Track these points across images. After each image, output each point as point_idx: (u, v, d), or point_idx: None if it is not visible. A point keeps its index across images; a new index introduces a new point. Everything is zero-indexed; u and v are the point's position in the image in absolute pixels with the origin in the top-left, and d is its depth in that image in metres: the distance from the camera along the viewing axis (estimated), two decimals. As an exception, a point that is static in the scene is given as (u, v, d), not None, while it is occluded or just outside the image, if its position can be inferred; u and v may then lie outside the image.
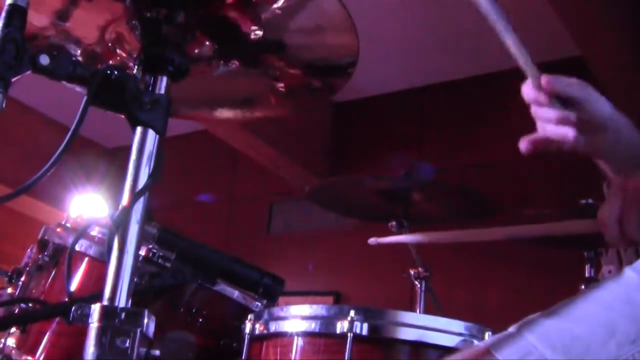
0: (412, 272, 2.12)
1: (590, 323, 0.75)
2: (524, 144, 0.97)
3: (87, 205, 4.11)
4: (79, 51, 1.10)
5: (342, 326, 1.29)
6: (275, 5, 1.00)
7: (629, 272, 0.78)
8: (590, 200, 2.06)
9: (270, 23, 1.02)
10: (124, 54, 1.09)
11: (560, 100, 0.94)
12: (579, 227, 1.08)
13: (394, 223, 2.13)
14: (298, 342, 1.37)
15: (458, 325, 1.33)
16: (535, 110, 0.96)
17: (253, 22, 1.02)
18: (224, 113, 1.31)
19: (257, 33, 1.03)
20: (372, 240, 1.40)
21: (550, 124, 0.94)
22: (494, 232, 1.14)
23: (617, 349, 0.72)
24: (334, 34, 1.04)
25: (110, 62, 1.11)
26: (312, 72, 1.14)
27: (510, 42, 0.95)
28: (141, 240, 0.85)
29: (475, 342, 1.30)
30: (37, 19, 1.02)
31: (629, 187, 0.92)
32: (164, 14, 0.96)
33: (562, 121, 0.92)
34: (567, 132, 0.92)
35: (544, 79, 0.94)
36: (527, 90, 0.96)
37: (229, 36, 1.06)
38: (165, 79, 0.94)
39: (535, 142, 0.97)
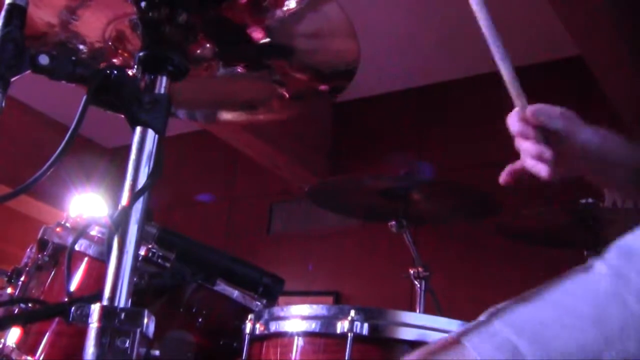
0: (412, 271, 2.12)
1: (556, 309, 0.76)
2: (502, 177, 1.02)
3: (86, 205, 4.12)
4: (85, 50, 1.10)
5: (342, 326, 1.29)
6: (279, 10, 1.00)
7: (596, 262, 0.80)
8: (589, 200, 2.07)
9: (273, 27, 1.02)
10: (125, 54, 1.09)
11: (545, 131, 0.97)
12: None
13: (393, 223, 2.13)
14: (298, 342, 1.37)
15: (458, 325, 1.33)
16: (518, 142, 1.00)
17: (257, 25, 1.02)
18: (227, 115, 1.32)
19: (260, 37, 1.04)
20: None
21: (529, 158, 0.97)
22: None
23: (582, 334, 0.73)
24: (336, 39, 1.05)
25: (115, 61, 1.11)
26: (315, 77, 1.14)
27: (505, 71, 0.98)
28: (141, 240, 0.85)
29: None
30: (46, 17, 1.03)
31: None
32: (166, 14, 0.96)
33: (538, 157, 0.96)
34: (541, 169, 0.96)
35: (530, 111, 0.97)
36: (513, 122, 1.00)
37: (232, 39, 1.06)
38: (165, 78, 0.94)
39: (514, 174, 1.02)
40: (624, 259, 0.77)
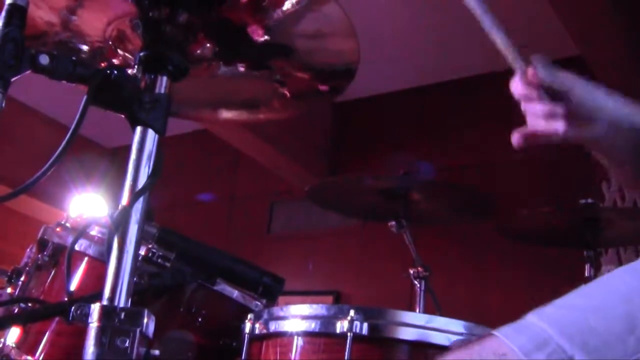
0: (411, 271, 2.12)
1: (608, 315, 0.73)
2: (516, 138, 0.97)
3: (86, 205, 4.12)
4: (86, 49, 1.10)
5: (342, 326, 1.29)
6: (279, 10, 1.00)
7: (628, 267, 0.78)
8: (589, 200, 2.07)
9: (273, 27, 1.03)
10: (126, 53, 1.09)
11: (550, 93, 0.94)
12: None
13: (393, 223, 2.13)
14: (298, 342, 1.37)
15: (458, 325, 1.33)
16: (524, 106, 0.97)
17: (257, 25, 1.02)
18: (227, 114, 1.32)
19: (260, 37, 1.04)
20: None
21: (539, 119, 0.94)
22: None
23: (636, 344, 0.70)
24: (336, 39, 1.05)
25: (115, 61, 1.11)
26: (315, 77, 1.15)
27: (498, 38, 0.96)
28: (141, 240, 0.85)
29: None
30: (46, 16, 1.03)
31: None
32: (166, 14, 0.97)
33: (550, 115, 0.92)
34: (556, 126, 0.92)
35: (531, 72, 0.94)
36: (516, 86, 0.96)
37: (232, 39, 1.06)
38: (165, 78, 0.94)
39: (526, 136, 0.97)
40: None
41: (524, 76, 0.95)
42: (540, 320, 0.75)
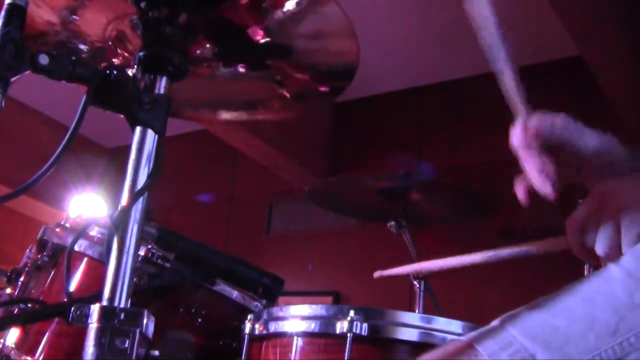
0: (411, 272, 2.12)
1: (571, 315, 0.76)
2: (521, 196, 0.98)
3: (86, 205, 4.11)
4: (85, 49, 1.10)
5: (341, 326, 1.29)
6: (279, 11, 1.00)
7: (612, 266, 0.79)
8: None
9: (273, 28, 1.02)
10: (126, 53, 1.09)
11: (547, 145, 0.95)
12: (556, 244, 1.09)
13: (393, 223, 2.13)
14: (298, 342, 1.37)
15: (457, 325, 1.33)
16: (522, 156, 0.97)
17: (257, 26, 1.02)
18: (227, 115, 1.32)
19: (260, 37, 1.04)
20: (377, 274, 1.41)
21: (534, 172, 0.95)
22: (474, 258, 1.16)
23: (596, 341, 0.73)
24: (336, 39, 1.05)
25: (115, 61, 1.11)
26: (315, 77, 1.15)
27: (509, 79, 0.95)
28: (140, 240, 0.85)
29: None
30: (46, 16, 1.03)
31: (597, 193, 0.91)
32: (166, 14, 0.96)
33: (542, 172, 0.94)
34: (545, 185, 0.92)
35: (532, 128, 0.94)
36: (516, 136, 0.97)
37: (232, 39, 1.06)
38: (164, 79, 0.94)
39: (528, 191, 0.98)
40: (639, 263, 0.77)
41: (524, 125, 0.95)
42: (505, 323, 0.78)
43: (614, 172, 0.97)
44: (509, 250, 1.10)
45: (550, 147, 0.95)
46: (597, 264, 0.88)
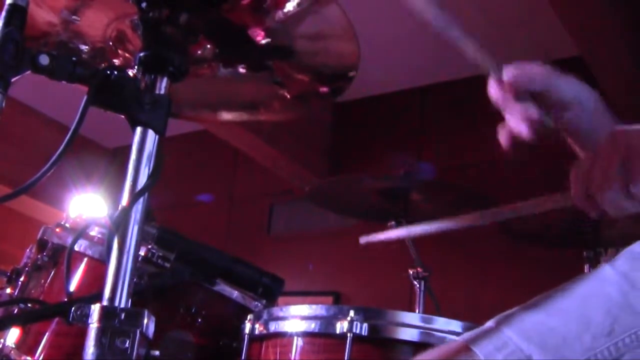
0: (411, 272, 2.12)
1: (566, 316, 0.76)
2: (503, 139, 0.97)
3: (86, 205, 4.11)
4: (86, 50, 1.10)
5: (341, 326, 1.29)
6: (280, 12, 1.00)
7: (606, 267, 0.79)
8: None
9: (274, 29, 1.03)
10: (126, 54, 1.09)
11: (527, 93, 0.94)
12: (552, 202, 1.07)
13: (393, 223, 2.13)
14: (298, 342, 1.37)
15: (457, 325, 1.33)
16: (503, 105, 0.97)
17: (257, 26, 1.02)
18: (227, 116, 1.32)
19: (260, 38, 1.04)
20: (363, 240, 1.39)
21: (516, 119, 0.95)
22: (474, 218, 1.14)
23: (592, 341, 0.73)
24: (336, 41, 1.05)
25: (115, 61, 1.11)
26: (315, 78, 1.15)
27: (466, 44, 0.95)
28: (141, 240, 0.85)
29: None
30: (47, 17, 1.03)
31: (606, 139, 0.85)
32: (167, 15, 0.97)
33: (525, 117, 0.93)
34: (521, 129, 0.93)
35: (508, 78, 0.93)
36: (492, 89, 0.96)
37: (232, 40, 1.06)
38: (165, 79, 0.94)
39: (510, 136, 0.97)
40: (633, 264, 0.77)
41: (499, 78, 0.95)
42: (500, 324, 0.78)
43: (593, 121, 0.96)
44: (502, 210, 1.09)
45: (532, 94, 0.95)
46: (599, 214, 0.85)
